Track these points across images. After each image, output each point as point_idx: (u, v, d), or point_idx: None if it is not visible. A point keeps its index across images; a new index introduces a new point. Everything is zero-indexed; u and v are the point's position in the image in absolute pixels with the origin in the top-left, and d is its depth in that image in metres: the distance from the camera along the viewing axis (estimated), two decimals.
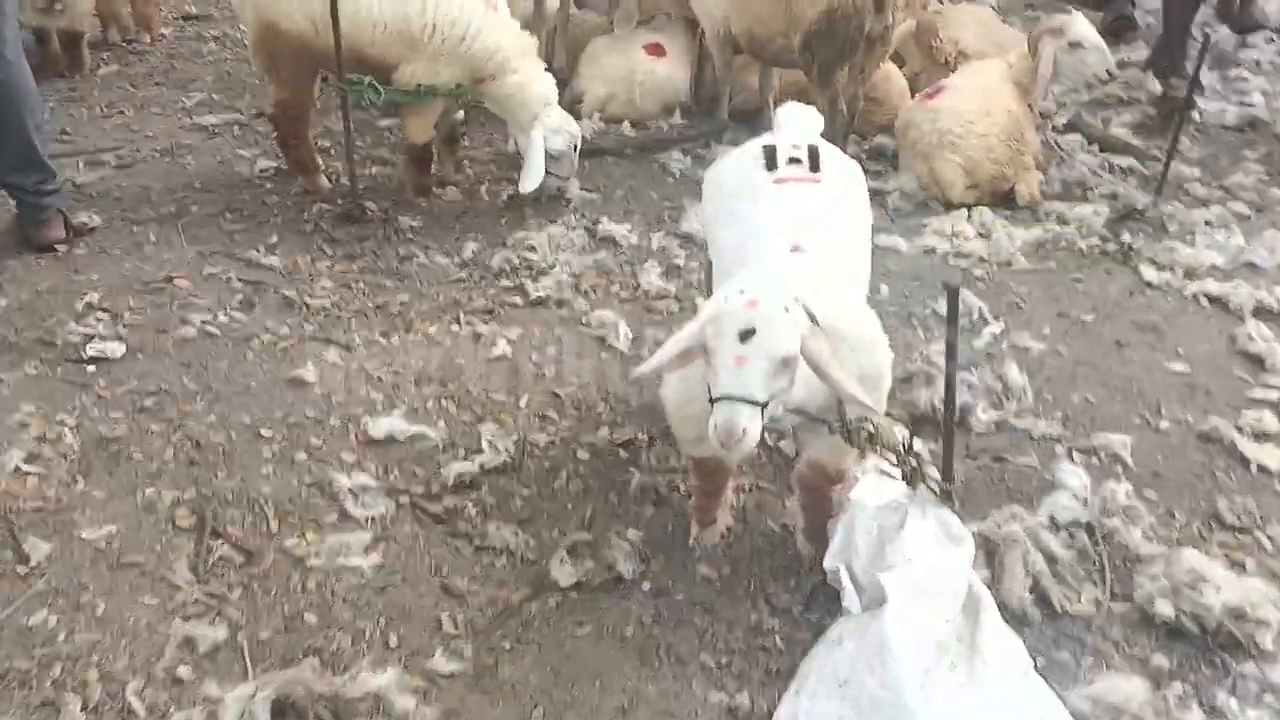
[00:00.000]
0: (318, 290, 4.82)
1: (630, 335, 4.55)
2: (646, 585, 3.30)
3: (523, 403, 4.14)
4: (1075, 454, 3.91)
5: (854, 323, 3.03)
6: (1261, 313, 4.81)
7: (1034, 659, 2.95)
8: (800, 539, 3.44)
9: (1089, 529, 3.54)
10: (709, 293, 3.78)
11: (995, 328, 4.65)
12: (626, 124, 6.54)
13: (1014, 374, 4.24)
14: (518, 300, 4.80)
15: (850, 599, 3.04)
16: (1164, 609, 3.19)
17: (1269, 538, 3.54)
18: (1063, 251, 5.33)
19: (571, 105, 6.65)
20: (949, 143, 5.62)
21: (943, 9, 7.02)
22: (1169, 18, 7.44)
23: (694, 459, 3.34)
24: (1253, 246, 5.34)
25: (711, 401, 2.68)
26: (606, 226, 5.38)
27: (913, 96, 6.48)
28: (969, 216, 5.47)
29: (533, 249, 5.17)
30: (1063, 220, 5.59)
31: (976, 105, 5.70)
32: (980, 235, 5.39)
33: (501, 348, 4.44)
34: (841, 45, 5.47)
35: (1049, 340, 4.61)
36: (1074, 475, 3.72)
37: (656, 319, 4.73)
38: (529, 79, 5.29)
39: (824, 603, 3.22)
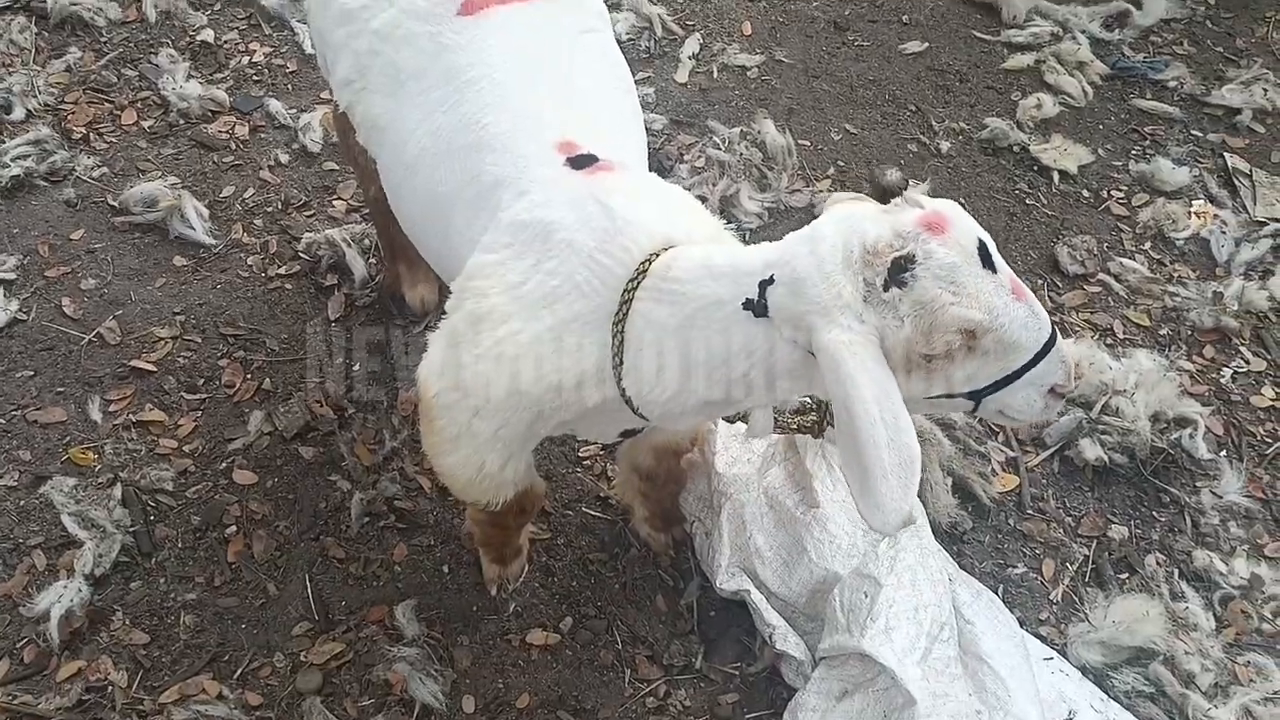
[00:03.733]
0: None
1: (205, 211, 2.84)
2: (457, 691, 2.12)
3: (95, 413, 2.47)
4: None
5: None
6: None
7: (996, 589, 2.26)
8: (645, 529, 2.35)
9: None
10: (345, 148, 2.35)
11: (692, 44, 3.42)
12: None
13: (770, 131, 3.12)
14: None
15: (795, 649, 2.09)
16: (1089, 450, 2.54)
17: (1114, 277, 2.94)
18: None
19: None
20: None
21: None
22: None
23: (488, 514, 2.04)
24: None
25: (976, 397, 1.49)
26: None
27: None
28: None
29: None
30: None
31: None
32: None
33: (3, 307, 2.61)
34: None
35: (760, 43, 3.48)
36: None
37: (228, 160, 3.00)
38: None
39: (725, 628, 2.23)
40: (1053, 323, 1.45)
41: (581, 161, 1.72)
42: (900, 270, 1.37)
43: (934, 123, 3.30)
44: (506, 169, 1.75)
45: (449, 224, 1.85)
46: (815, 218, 2.91)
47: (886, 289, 1.38)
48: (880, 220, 1.41)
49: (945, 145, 3.23)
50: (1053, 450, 2.55)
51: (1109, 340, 2.78)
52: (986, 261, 1.40)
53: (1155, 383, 2.60)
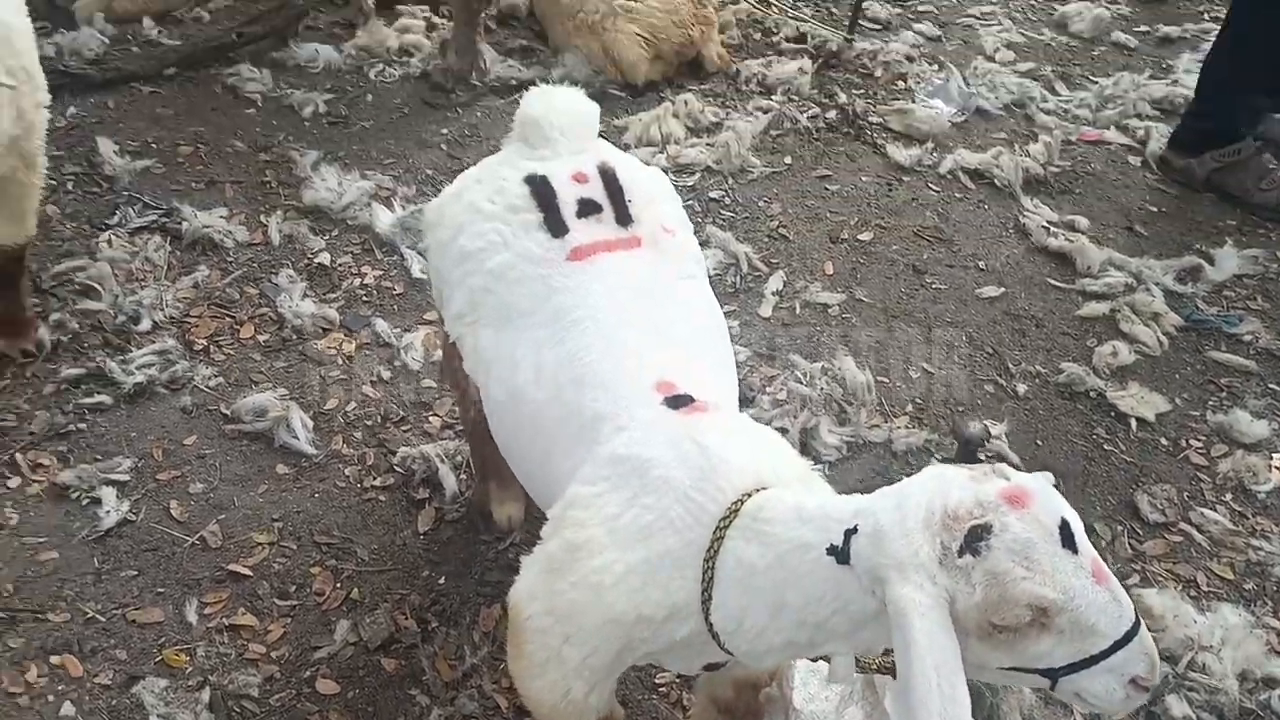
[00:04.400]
0: None
1: (309, 422, 3.00)
2: None
3: (191, 615, 2.55)
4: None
5: None
6: (1032, 186, 4.14)
7: None
8: None
9: None
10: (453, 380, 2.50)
11: (776, 281, 3.60)
12: (148, 22, 4.50)
13: (850, 367, 3.24)
14: (105, 398, 3.03)
15: None
16: (1176, 708, 2.48)
17: (1196, 528, 2.93)
18: (790, 136, 4.30)
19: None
20: (621, 9, 4.29)
21: None
22: None
23: None
24: (973, 88, 4.64)
25: (1050, 675, 1.48)
26: (191, 219, 3.59)
27: None
28: (674, 110, 4.25)
29: (93, 291, 3.31)
30: (765, 87, 4.53)
31: None
32: (691, 131, 4.22)
33: (112, 508, 2.74)
34: None
35: (841, 283, 3.65)
36: None
37: (334, 374, 3.19)
38: None
39: None
40: (1137, 613, 1.45)
41: (678, 401, 1.83)
42: (976, 539, 1.41)
43: (1010, 365, 3.39)
44: (607, 405, 1.87)
45: (549, 453, 1.95)
46: (893, 454, 3.00)
47: (961, 554, 1.41)
48: (966, 486, 1.46)
49: (1022, 388, 3.31)
50: (1140, 707, 2.50)
51: (1192, 592, 2.76)
52: (1068, 541, 1.42)
53: (1241, 639, 2.56)
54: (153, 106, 4.12)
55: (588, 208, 2.09)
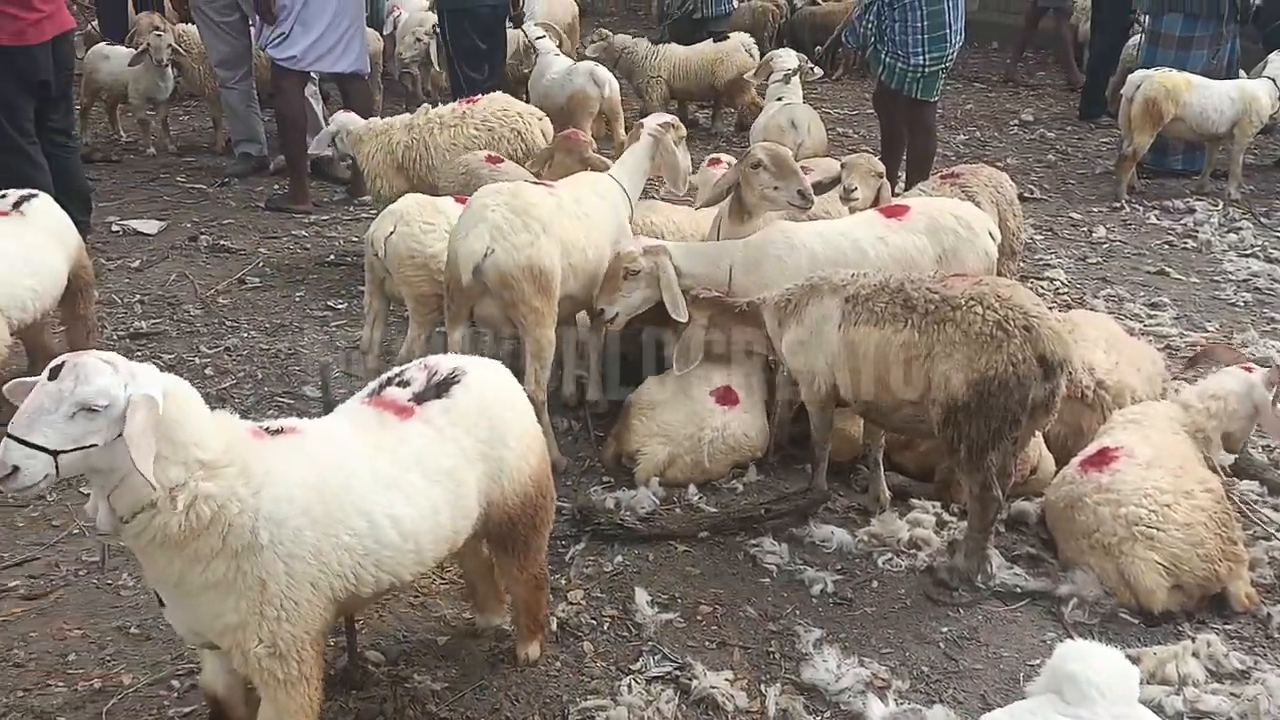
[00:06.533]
0: None
1: None
2: None
3: None
4: None
5: None
6: None
7: None
8: None
9: None
10: None
11: None
12: (692, 487, 5.15)
13: None
14: None
15: None
16: None
17: None
18: None
19: (617, 461, 5.33)
20: (1141, 534, 4.25)
21: (1070, 319, 5.75)
22: None
23: None
24: None
25: None
26: (700, 676, 3.88)
27: (1048, 444, 5.18)
28: (1193, 649, 4.03)
29: None
30: None
31: (1170, 482, 4.36)
32: (1213, 675, 3.95)
33: None
34: (999, 420, 4.17)
35: None
36: None
37: None
38: None
39: None
40: None
41: None
42: None
43: None
44: None
45: None
46: None
47: None
48: None
49: None
50: None
51: None
52: None
53: None
54: (684, 564, 4.62)
55: None
